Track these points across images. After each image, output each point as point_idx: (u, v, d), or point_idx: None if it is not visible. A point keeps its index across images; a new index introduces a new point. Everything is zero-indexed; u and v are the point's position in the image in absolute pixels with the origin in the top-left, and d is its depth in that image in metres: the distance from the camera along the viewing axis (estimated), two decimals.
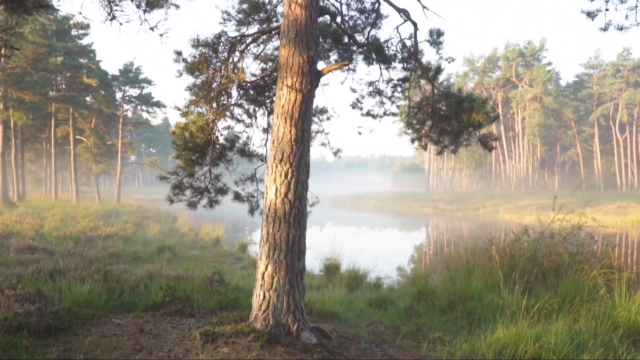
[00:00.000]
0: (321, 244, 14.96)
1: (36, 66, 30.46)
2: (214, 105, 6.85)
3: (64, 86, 39.93)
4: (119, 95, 44.04)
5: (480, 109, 6.39)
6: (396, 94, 8.13)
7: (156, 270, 9.04)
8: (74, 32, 38.18)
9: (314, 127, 7.90)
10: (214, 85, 6.48)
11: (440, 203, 61.40)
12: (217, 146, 7.10)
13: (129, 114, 50.00)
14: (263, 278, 5.31)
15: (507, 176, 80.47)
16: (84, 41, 39.57)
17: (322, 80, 6.04)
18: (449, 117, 7.26)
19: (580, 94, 75.02)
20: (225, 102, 6.99)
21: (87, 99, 40.75)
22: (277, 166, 5.34)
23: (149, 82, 43.54)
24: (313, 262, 14.77)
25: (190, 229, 25.29)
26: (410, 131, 8.09)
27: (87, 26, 38.48)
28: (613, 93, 70.80)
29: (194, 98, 6.46)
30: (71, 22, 32.26)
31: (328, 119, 8.08)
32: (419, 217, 50.96)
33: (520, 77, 76.84)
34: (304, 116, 5.41)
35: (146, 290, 7.53)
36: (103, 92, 38.74)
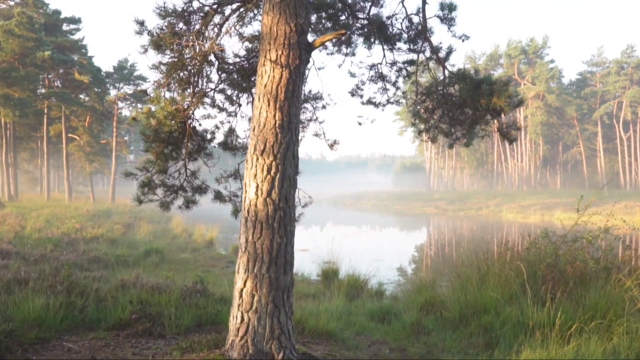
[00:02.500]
0: (319, 246, 13.94)
1: (24, 61, 29.38)
2: (190, 89, 5.86)
3: (58, 83, 38.92)
4: (113, 92, 43.00)
5: (502, 92, 5.41)
6: (401, 79, 7.13)
7: (132, 279, 8.06)
8: (65, 27, 37.13)
9: (306, 114, 6.92)
10: (188, 64, 5.49)
11: (441, 202, 60.43)
12: (196, 137, 6.10)
13: (127, 112, 48.93)
14: (241, 296, 4.32)
15: (509, 175, 79.46)
16: (76, 36, 38.51)
17: (317, 63, 5.08)
18: (462, 104, 6.27)
19: (583, 92, 73.99)
20: (203, 87, 6.00)
21: (81, 96, 39.69)
22: (258, 159, 4.35)
23: (144, 79, 42.48)
24: (310, 265, 13.80)
25: (183, 230, 24.29)
26: (417, 121, 7.10)
27: (79, 20, 37.45)
28: (617, 91, 69.79)
29: (162, 79, 5.47)
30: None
31: (324, 107, 7.08)
32: (421, 217, 49.98)
33: (523, 75, 75.82)
34: (291, 98, 4.42)
35: (115, 304, 6.54)
36: (96, 89, 37.67)
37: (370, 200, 75.49)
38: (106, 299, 6.81)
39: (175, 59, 5.29)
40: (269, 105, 4.38)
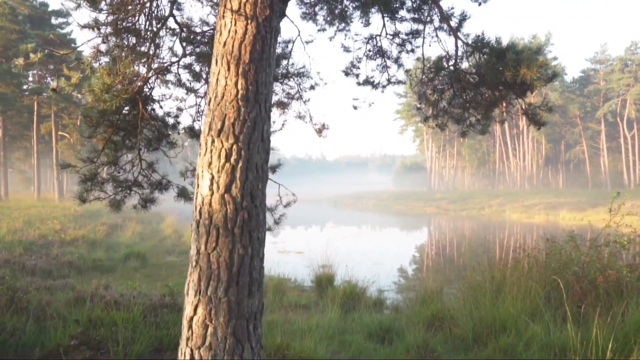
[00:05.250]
0: (317, 248, 12.81)
1: (6, 54, 28.22)
2: (145, 62, 4.74)
3: (51, 79, 37.75)
4: None
5: (532, 61, 4.29)
6: (404, 54, 6.00)
7: (91, 290, 6.95)
8: (53, 20, 35.97)
9: (286, 89, 5.79)
10: (138, 27, 4.37)
11: (443, 202, 59.30)
12: (155, 122, 4.98)
13: None
14: (190, 327, 3.20)
15: (511, 174, 78.31)
16: (65, 30, 37.26)
17: (304, 35, 3.94)
18: (479, 82, 5.15)
19: (586, 90, 72.85)
20: (162, 59, 4.88)
21: (73, 93, 38.54)
22: (213, 141, 3.23)
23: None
24: (303, 270, 12.69)
25: (174, 231, 23.22)
26: (422, 105, 5.97)
27: (68, 13, 36.34)
28: (620, 88, 68.63)
29: (99, 43, 4.35)
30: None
31: (312, 87, 5.96)
32: (422, 217, 48.85)
33: None
34: (260, 60, 3.30)
35: (60, 324, 5.42)
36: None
37: (371, 200, 74.43)
38: (52, 317, 5.71)
39: (119, 19, 4.17)
40: (228, 69, 3.26)
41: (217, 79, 3.31)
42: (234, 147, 3.19)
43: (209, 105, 3.33)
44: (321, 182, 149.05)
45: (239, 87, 3.24)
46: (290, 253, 19.78)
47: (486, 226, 36.58)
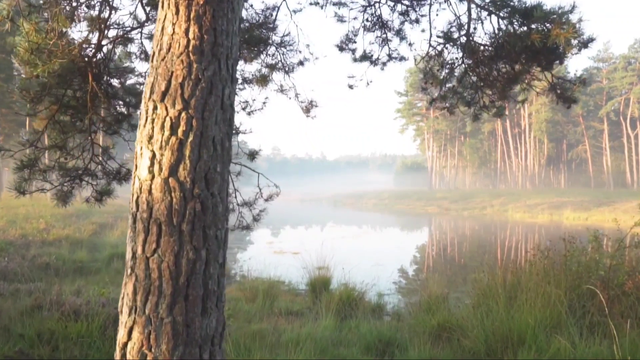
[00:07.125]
0: (314, 249, 12.00)
1: None
2: (97, 26, 3.92)
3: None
4: None
5: (564, 19, 3.48)
6: (407, 24, 5.19)
7: (52, 297, 6.15)
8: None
9: (268, 61, 4.97)
10: None
11: (444, 202, 58.52)
12: (112, 100, 4.18)
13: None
14: (124, 356, 2.39)
15: (513, 174, 77.50)
16: None
17: (291, 3, 3.13)
18: (495, 56, 4.34)
19: (589, 89, 71.90)
20: (125, 27, 4.08)
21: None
22: (155, 107, 2.43)
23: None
24: (300, 272, 11.88)
25: None
26: (429, 85, 5.16)
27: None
28: (623, 87, 67.86)
29: None
30: None
31: (301, 63, 5.15)
32: (423, 217, 48.04)
33: None
34: (219, 2, 2.49)
35: (1, 338, 4.63)
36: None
37: (371, 199, 73.66)
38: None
39: None
40: (177, 13, 2.46)
41: (163, 27, 2.50)
42: (183, 114, 2.38)
43: (151, 61, 2.52)
44: (321, 181, 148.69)
45: (191, 35, 2.43)
46: (286, 254, 18.99)
47: (489, 226, 35.78)
